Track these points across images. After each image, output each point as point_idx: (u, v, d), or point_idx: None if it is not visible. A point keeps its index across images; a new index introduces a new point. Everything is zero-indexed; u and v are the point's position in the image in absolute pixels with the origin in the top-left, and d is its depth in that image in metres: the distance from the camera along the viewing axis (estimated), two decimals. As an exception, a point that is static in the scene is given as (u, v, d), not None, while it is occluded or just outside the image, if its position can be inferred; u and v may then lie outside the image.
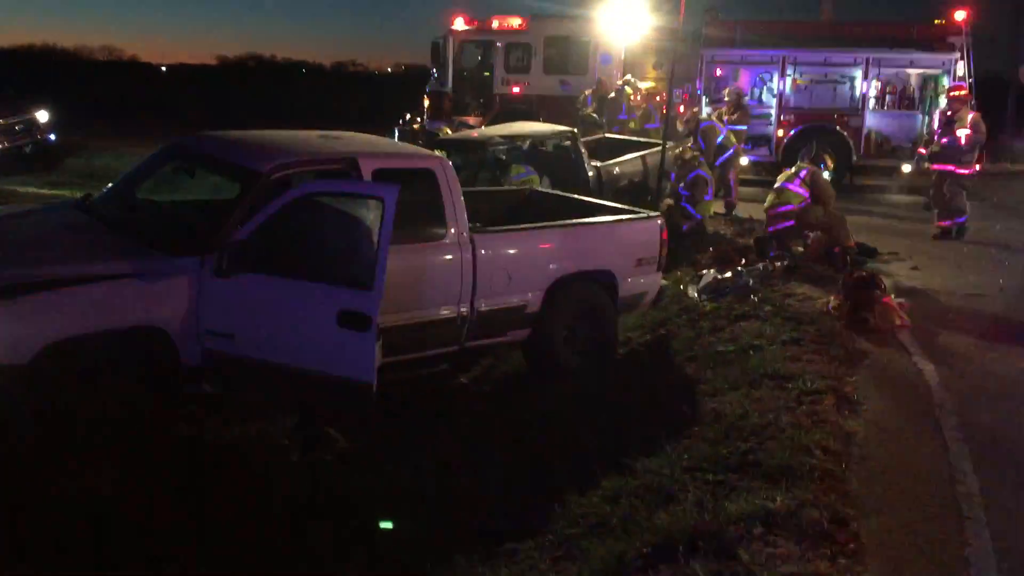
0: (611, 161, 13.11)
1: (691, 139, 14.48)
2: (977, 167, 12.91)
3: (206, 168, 6.95)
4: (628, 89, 18.34)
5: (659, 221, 8.37)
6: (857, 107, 17.62)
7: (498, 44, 20.41)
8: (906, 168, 16.23)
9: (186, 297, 5.60)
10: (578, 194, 10.02)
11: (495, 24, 20.59)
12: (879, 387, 6.82)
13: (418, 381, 6.95)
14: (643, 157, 13.66)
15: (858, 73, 17.59)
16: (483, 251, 6.92)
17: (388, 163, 6.70)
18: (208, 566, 4.70)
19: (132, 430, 5.45)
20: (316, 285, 5.50)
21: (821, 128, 17.61)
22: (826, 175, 11.36)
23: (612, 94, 18.09)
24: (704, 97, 18.14)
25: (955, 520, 4.76)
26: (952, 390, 6.77)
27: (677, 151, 13.04)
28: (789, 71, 17.93)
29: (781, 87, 17.97)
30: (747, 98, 17.47)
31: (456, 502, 5.27)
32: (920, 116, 17.43)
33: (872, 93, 17.60)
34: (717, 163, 14.27)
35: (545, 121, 14.95)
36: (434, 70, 20.97)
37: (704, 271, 10.13)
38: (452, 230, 6.80)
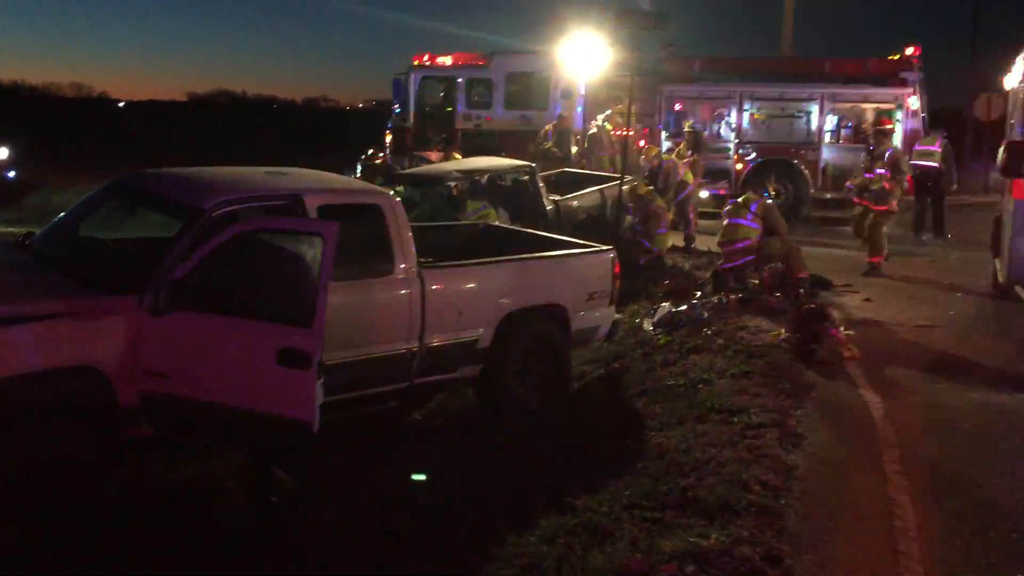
0: (569, 195, 13.21)
1: (652, 175, 14.72)
2: (894, 204, 12.89)
3: (147, 206, 6.88)
4: (608, 124, 18.60)
5: (611, 255, 8.40)
6: (814, 141, 17.92)
7: (459, 80, 20.55)
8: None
9: (123, 336, 5.51)
10: (536, 228, 10.06)
11: (457, 60, 20.76)
12: (824, 420, 6.85)
13: (367, 418, 6.88)
14: (601, 191, 13.79)
15: (814, 108, 17.96)
16: (432, 286, 6.91)
17: (334, 199, 6.68)
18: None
19: (67, 475, 5.33)
20: (256, 323, 5.43)
21: (779, 161, 17.87)
22: (770, 201, 11.46)
23: (593, 130, 18.36)
24: (664, 132, 18.38)
25: (890, 556, 4.75)
26: (896, 422, 6.81)
27: (632, 185, 13.17)
28: (747, 106, 18.22)
29: (739, 121, 18.24)
30: (706, 133, 17.75)
31: (392, 542, 5.19)
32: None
33: (828, 127, 17.91)
34: (677, 200, 14.48)
35: (507, 156, 15.04)
36: (396, 105, 21.06)
37: (660, 304, 10.19)
38: (401, 265, 6.78)
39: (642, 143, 17.36)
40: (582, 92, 19.81)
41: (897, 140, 17.37)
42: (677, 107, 18.66)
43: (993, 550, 4.89)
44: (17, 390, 5.13)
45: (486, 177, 12.20)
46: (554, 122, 18.67)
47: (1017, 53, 11.19)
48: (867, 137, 15.87)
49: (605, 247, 8.73)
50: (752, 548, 4.49)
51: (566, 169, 15.92)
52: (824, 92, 17.84)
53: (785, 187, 17.60)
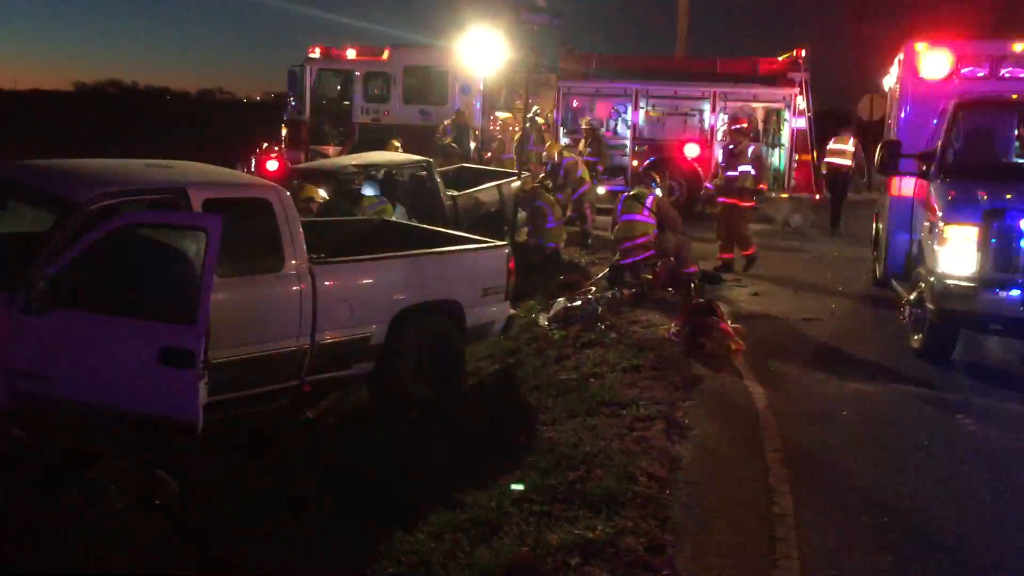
0: (467, 191, 13.20)
1: (553, 171, 14.84)
2: (755, 201, 13.15)
3: (20, 199, 6.59)
4: (540, 119, 18.63)
5: (506, 250, 8.45)
6: (707, 139, 18.36)
7: (356, 73, 20.28)
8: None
9: (-7, 336, 5.28)
10: (435, 224, 10.02)
11: (353, 53, 20.47)
12: (710, 411, 7.04)
13: (257, 417, 6.75)
14: (499, 187, 13.82)
15: (706, 106, 18.39)
16: (324, 282, 6.82)
17: (220, 193, 6.52)
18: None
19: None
20: (137, 321, 5.28)
21: (673, 159, 18.26)
22: (658, 192, 11.67)
23: (517, 128, 18.40)
24: (562, 128, 18.57)
25: (767, 542, 4.92)
26: (778, 412, 7.05)
27: (522, 180, 13.29)
28: (642, 104, 18.56)
29: (635, 119, 18.57)
30: (603, 129, 18.00)
31: (279, 542, 5.11)
32: (765, 148, 18.28)
33: (720, 125, 18.39)
34: (575, 196, 14.64)
35: (406, 151, 14.93)
36: (292, 98, 20.66)
37: (555, 300, 10.28)
38: (291, 261, 6.67)
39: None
40: (480, 87, 19.83)
41: (785, 138, 18.05)
42: (575, 103, 18.88)
43: (865, 533, 5.11)
44: None
45: (382, 172, 12.10)
46: (452, 117, 18.65)
47: (895, 54, 11.70)
48: (724, 136, 16.38)
49: (500, 243, 8.77)
50: (636, 539, 4.58)
51: (464, 165, 15.90)
52: (716, 91, 18.31)
53: (679, 184, 17.99)
